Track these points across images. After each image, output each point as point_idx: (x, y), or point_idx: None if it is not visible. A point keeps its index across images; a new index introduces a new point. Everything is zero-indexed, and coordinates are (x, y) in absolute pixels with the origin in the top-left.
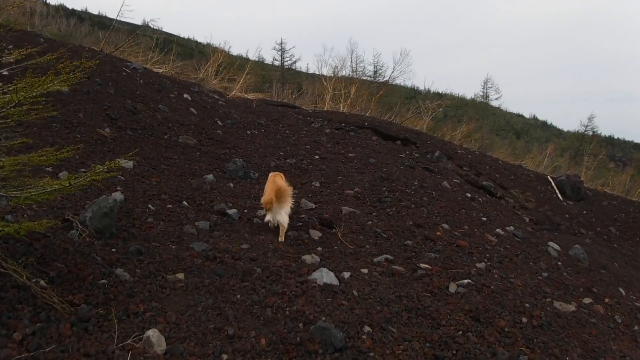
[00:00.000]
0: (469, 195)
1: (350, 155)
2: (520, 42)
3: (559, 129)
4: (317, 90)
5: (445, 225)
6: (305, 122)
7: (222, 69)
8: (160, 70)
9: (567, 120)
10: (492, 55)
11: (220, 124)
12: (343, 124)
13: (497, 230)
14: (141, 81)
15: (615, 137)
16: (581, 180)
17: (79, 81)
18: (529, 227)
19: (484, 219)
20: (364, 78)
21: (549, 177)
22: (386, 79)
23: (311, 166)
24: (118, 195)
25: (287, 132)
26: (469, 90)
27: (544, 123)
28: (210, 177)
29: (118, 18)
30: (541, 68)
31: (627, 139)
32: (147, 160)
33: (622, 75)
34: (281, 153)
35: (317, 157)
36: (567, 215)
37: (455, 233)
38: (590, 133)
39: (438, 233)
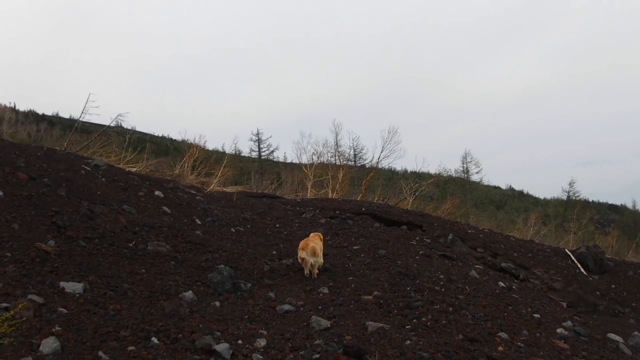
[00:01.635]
0: (503, 284)
1: (355, 248)
2: (485, 117)
3: (535, 197)
4: (297, 179)
5: (503, 334)
6: (295, 213)
7: (199, 164)
8: (134, 169)
9: (542, 188)
10: (464, 130)
11: (199, 222)
12: (337, 212)
13: (559, 330)
14: (103, 179)
15: (590, 199)
16: (603, 251)
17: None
18: (577, 316)
19: (537, 315)
20: (345, 162)
21: (567, 250)
22: (374, 159)
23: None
24: (51, 344)
25: (277, 225)
26: (447, 166)
27: (521, 192)
28: (189, 295)
29: (90, 120)
30: (509, 140)
31: (601, 200)
32: (104, 280)
33: (586, 140)
34: (274, 252)
35: None
36: (597, 293)
37: (519, 344)
38: (573, 198)
39: (500, 348)
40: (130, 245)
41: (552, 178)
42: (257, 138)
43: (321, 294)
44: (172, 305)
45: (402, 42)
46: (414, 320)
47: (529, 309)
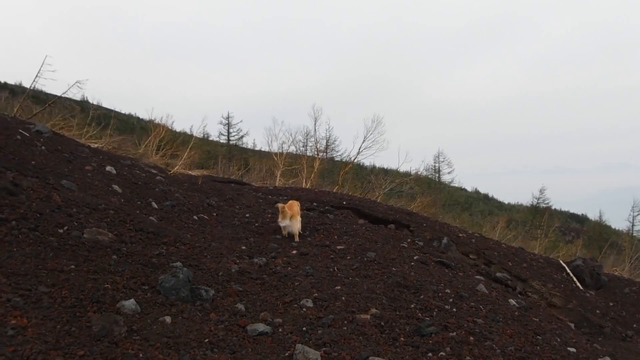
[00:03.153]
0: (514, 302)
1: (339, 247)
2: (455, 120)
3: (499, 201)
4: (266, 166)
5: None
6: (267, 202)
7: (165, 144)
8: (96, 146)
9: (506, 192)
10: (433, 134)
11: (155, 206)
12: (315, 204)
13: None
14: (43, 148)
15: (553, 207)
16: (600, 265)
17: None
18: (597, 345)
19: (572, 350)
20: (316, 153)
21: (561, 262)
22: (354, 150)
23: (290, 268)
24: None
25: (248, 215)
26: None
27: (486, 196)
28: (130, 304)
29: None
30: (476, 144)
31: (562, 209)
32: (11, 279)
33: (550, 150)
34: (243, 247)
35: (294, 251)
36: (598, 311)
37: None
38: (542, 205)
39: None
40: (61, 231)
41: (517, 184)
42: (227, 122)
43: (304, 309)
44: (104, 321)
45: (380, 38)
46: (429, 355)
47: (558, 339)
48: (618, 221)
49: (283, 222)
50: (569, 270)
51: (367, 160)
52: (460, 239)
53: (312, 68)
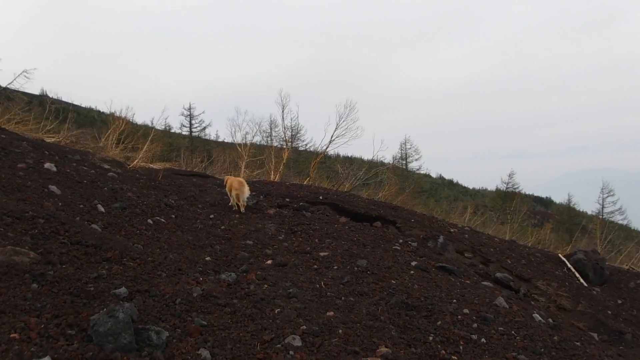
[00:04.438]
0: (541, 318)
1: (322, 254)
2: (421, 105)
3: (464, 187)
4: (229, 158)
5: None
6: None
7: (125, 137)
8: (52, 140)
9: (470, 178)
10: (397, 120)
11: (101, 209)
12: (288, 199)
13: None
14: None
15: (517, 191)
16: (603, 258)
17: None
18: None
19: None
20: (282, 144)
21: (560, 256)
22: (326, 138)
23: (267, 286)
24: None
25: (212, 216)
26: (382, 153)
27: (451, 182)
28: None
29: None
30: (439, 130)
31: (527, 192)
32: None
33: (513, 134)
34: (207, 258)
35: (269, 261)
36: (609, 312)
37: None
38: (512, 190)
39: None
40: None
41: (480, 169)
42: (188, 113)
43: (291, 351)
44: None
45: (341, 25)
46: None
47: None
48: (585, 204)
49: (244, 194)
50: (570, 266)
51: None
52: (453, 235)
53: (274, 57)
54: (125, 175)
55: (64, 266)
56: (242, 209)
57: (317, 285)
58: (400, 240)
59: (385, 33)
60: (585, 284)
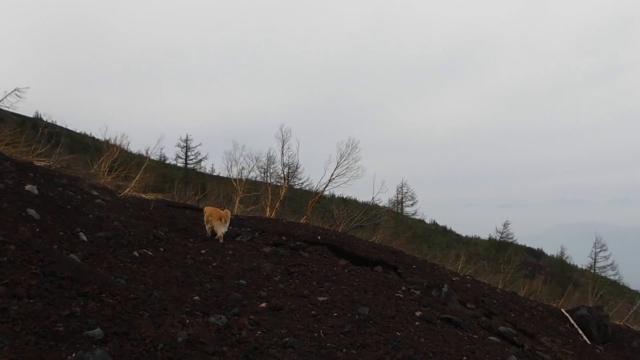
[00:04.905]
0: None
1: (321, 299)
2: (414, 153)
3: (457, 234)
4: (223, 192)
5: None
6: (227, 235)
7: (118, 165)
8: (43, 164)
9: (463, 225)
10: (395, 163)
11: (83, 238)
12: (284, 238)
13: None
14: None
15: (507, 241)
16: (607, 315)
17: None
18: None
19: None
20: (283, 179)
21: (563, 311)
22: (326, 177)
23: (260, 332)
24: None
25: (203, 251)
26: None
27: (444, 228)
28: None
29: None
30: (434, 176)
31: (519, 243)
32: None
33: (507, 184)
34: (196, 297)
35: (263, 304)
36: None
37: None
38: (506, 239)
39: None
40: None
41: (472, 217)
42: (184, 144)
43: None
44: None
45: (340, 67)
46: None
47: None
48: (576, 257)
49: (222, 228)
50: (572, 321)
51: (331, 189)
52: (455, 284)
53: (275, 96)
54: (114, 204)
55: (32, 300)
56: (221, 240)
57: (316, 334)
58: (403, 288)
59: (385, 76)
60: (588, 342)
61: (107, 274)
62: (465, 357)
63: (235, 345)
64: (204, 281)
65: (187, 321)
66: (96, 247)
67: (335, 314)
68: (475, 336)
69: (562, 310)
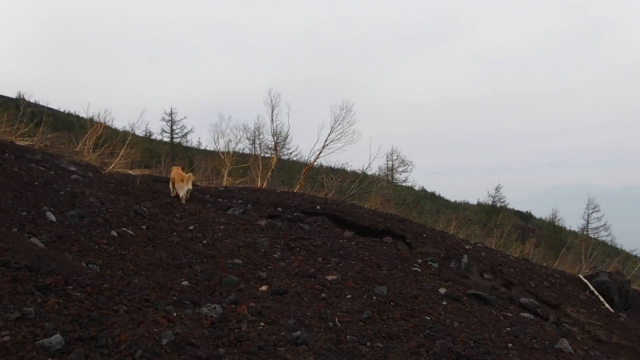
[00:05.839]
0: None
1: (330, 278)
2: (401, 120)
3: (446, 200)
4: (211, 165)
5: None
6: (217, 208)
7: (103, 142)
8: (26, 143)
9: (452, 191)
10: (380, 133)
11: (52, 218)
12: (280, 209)
13: None
14: None
15: (498, 205)
16: (628, 280)
17: None
18: None
19: None
20: (274, 149)
21: (582, 277)
22: (319, 144)
23: (263, 324)
24: None
25: (192, 228)
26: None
27: (433, 194)
28: None
29: None
30: (421, 144)
31: (508, 206)
32: None
33: (493, 148)
34: (184, 283)
35: (264, 287)
36: None
37: None
38: (498, 204)
39: None
40: None
41: (461, 182)
42: (169, 118)
43: None
44: None
45: (323, 38)
46: None
47: None
48: (566, 219)
49: (184, 188)
50: (592, 289)
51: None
52: (470, 253)
53: (257, 70)
54: (93, 179)
55: None
56: (183, 201)
57: (330, 323)
58: (419, 260)
59: (367, 45)
60: (611, 310)
61: (76, 260)
62: (510, 344)
63: (234, 344)
64: (194, 262)
65: (174, 314)
66: (66, 228)
67: (349, 296)
68: (510, 314)
69: (581, 276)
